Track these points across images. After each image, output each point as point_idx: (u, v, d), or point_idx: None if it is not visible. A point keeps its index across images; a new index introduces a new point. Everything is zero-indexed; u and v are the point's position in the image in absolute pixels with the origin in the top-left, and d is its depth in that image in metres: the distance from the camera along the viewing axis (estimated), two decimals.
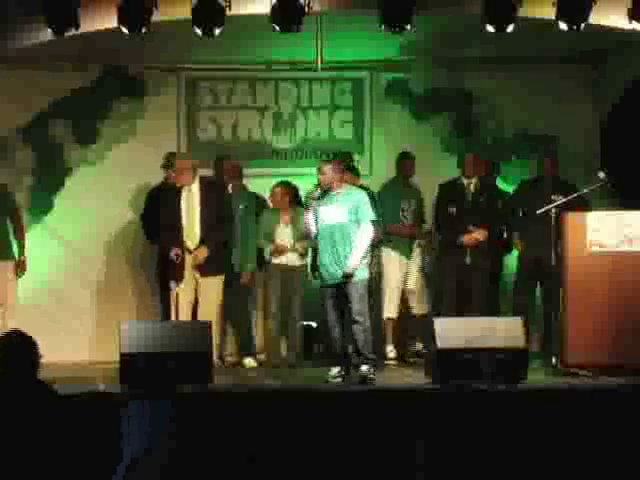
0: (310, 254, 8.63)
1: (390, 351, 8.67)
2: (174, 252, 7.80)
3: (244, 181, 8.76)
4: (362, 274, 7.31)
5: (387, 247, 8.71)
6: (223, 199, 8.15)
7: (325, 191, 7.36)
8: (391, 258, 8.74)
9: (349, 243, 7.24)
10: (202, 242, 7.89)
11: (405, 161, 8.89)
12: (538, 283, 8.59)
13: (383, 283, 8.74)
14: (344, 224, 7.27)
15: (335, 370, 7.36)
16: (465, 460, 6.15)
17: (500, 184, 9.13)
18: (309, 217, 7.43)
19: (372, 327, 7.43)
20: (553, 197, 8.02)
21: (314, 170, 9.35)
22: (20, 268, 8.28)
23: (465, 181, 8.51)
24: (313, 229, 7.43)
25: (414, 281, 8.77)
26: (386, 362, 8.47)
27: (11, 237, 8.31)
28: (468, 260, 8.37)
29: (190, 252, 7.88)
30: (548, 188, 8.40)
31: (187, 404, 6.27)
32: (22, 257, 8.30)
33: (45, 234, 9.07)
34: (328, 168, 7.36)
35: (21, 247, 8.32)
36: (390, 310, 8.74)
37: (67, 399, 4.61)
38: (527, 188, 8.69)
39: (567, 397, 6.64)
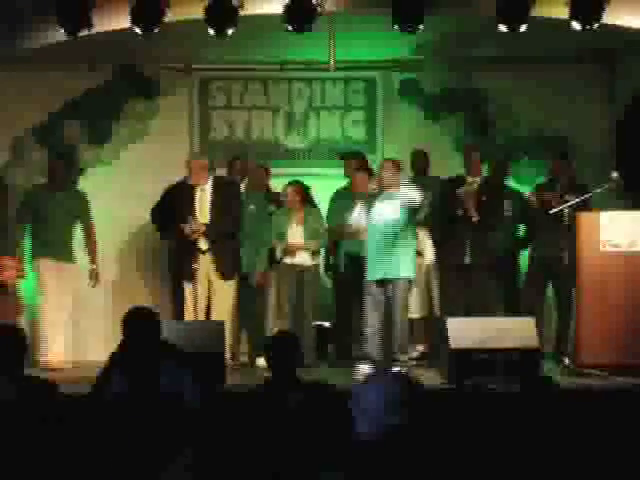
0: (323, 254, 8.62)
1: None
2: (192, 226, 7.79)
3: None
4: (408, 272, 7.40)
5: None
6: (231, 196, 8.12)
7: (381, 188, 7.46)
8: None
9: (398, 241, 7.34)
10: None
11: (416, 160, 8.88)
12: (550, 283, 8.56)
13: None
14: (395, 222, 7.35)
15: (364, 367, 7.34)
16: (478, 460, 6.14)
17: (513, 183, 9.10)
18: (360, 212, 7.51)
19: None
20: (567, 197, 7.99)
21: (327, 170, 9.36)
22: (95, 277, 8.25)
23: (470, 179, 8.44)
24: (364, 222, 7.50)
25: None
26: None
27: (74, 240, 8.28)
28: (467, 260, 8.21)
29: (202, 252, 7.89)
30: (563, 188, 8.37)
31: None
32: (94, 266, 8.27)
33: None
34: (389, 167, 7.48)
35: (93, 256, 8.29)
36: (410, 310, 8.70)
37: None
38: (542, 189, 8.66)
39: (581, 397, 6.61)
